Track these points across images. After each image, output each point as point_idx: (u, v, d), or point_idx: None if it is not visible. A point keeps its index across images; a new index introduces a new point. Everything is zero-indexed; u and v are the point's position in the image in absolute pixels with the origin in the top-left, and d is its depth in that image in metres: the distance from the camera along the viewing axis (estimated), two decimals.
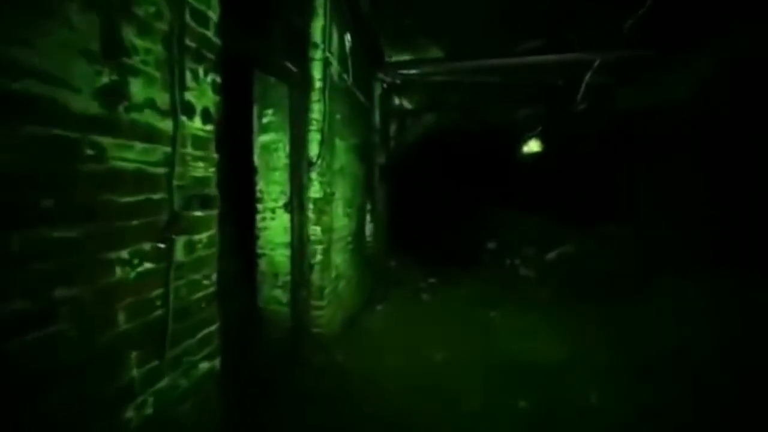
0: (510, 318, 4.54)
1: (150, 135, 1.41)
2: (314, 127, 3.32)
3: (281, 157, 3.26)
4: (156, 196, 1.45)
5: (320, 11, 3.29)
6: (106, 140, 1.24)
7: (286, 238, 3.27)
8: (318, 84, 3.31)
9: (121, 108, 1.29)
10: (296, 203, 3.27)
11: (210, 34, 1.71)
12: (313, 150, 3.32)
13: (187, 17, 1.57)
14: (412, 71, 5.36)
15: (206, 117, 1.71)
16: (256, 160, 3.32)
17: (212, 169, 1.76)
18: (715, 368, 3.08)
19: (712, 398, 2.75)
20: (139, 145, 1.36)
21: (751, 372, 2.96)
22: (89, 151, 1.18)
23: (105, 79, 1.23)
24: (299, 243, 3.31)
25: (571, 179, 8.79)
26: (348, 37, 3.91)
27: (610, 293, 4.94)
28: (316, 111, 3.32)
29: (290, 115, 3.18)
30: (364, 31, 4.47)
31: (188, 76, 1.58)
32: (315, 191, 3.36)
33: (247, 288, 3.37)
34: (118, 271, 1.30)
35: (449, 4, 4.31)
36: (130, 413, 1.34)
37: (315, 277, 3.39)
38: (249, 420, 2.42)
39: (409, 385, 2.99)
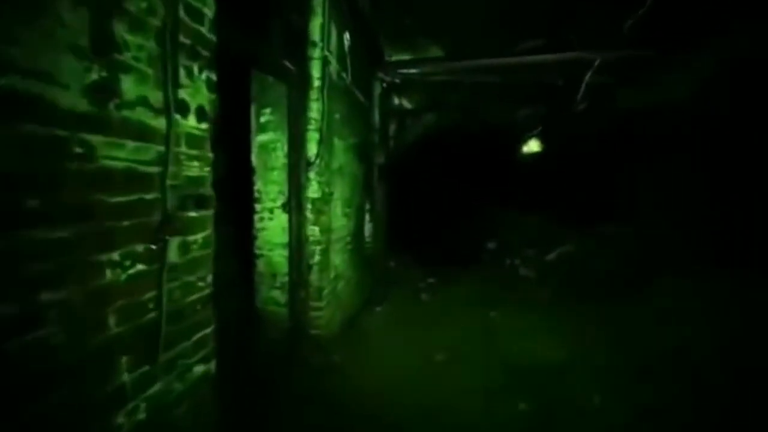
0: (510, 318, 4.53)
1: (142, 133, 1.38)
2: (313, 126, 3.30)
3: (279, 157, 3.23)
4: (148, 196, 1.42)
5: (319, 10, 3.26)
6: (95, 138, 1.21)
7: (285, 238, 3.24)
8: (316, 83, 3.29)
9: (111, 105, 1.26)
10: (294, 203, 3.24)
11: (205, 30, 1.68)
12: (312, 149, 3.30)
13: (181, 13, 1.54)
14: (412, 71, 5.34)
15: (201, 115, 1.68)
16: (254, 159, 3.29)
17: (207, 169, 1.73)
18: (715, 368, 3.07)
19: (712, 398, 2.75)
20: (130, 144, 1.33)
21: (751, 372, 2.95)
22: (78, 150, 1.15)
23: (95, 76, 1.20)
24: (297, 243, 3.29)
25: (571, 179, 8.78)
26: (347, 35, 3.88)
27: (610, 293, 4.93)
28: (315, 110, 3.30)
29: (288, 115, 3.16)
30: (364, 30, 4.45)
31: (182, 73, 1.55)
32: (313, 191, 3.34)
33: (245, 289, 3.34)
34: (109, 273, 1.26)
35: (449, 4, 4.29)
36: (121, 419, 1.31)
37: (313, 277, 3.37)
38: (247, 421, 2.41)
39: (409, 385, 2.98)
